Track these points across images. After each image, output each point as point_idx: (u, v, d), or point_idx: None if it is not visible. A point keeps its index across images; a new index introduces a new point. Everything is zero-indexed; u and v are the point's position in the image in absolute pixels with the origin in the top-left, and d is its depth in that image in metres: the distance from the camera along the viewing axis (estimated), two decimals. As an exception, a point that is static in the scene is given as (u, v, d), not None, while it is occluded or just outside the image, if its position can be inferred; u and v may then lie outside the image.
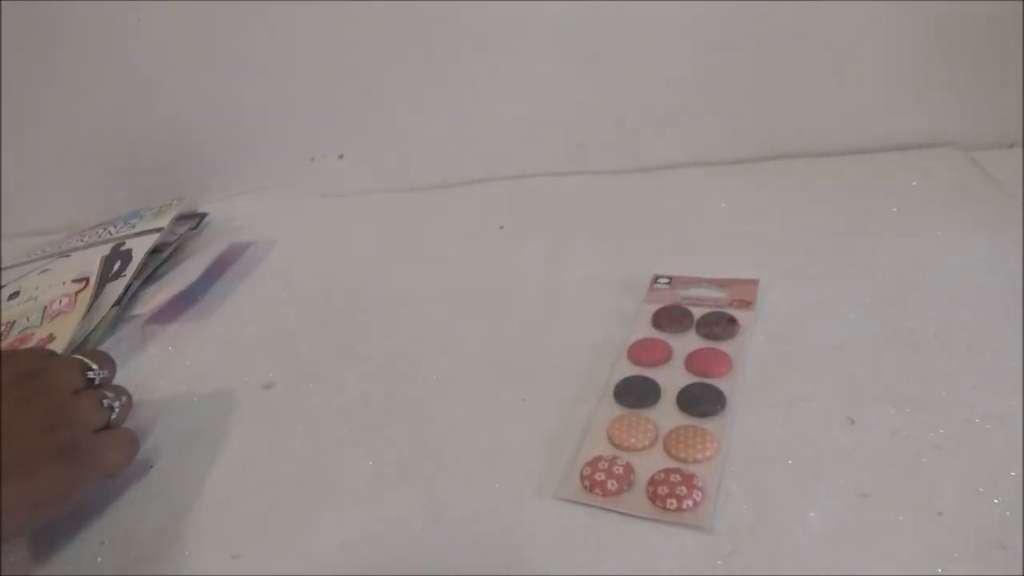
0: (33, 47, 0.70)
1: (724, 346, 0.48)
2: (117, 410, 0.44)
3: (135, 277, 0.62)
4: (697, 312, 0.51)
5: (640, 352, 0.48)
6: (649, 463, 0.40)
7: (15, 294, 0.64)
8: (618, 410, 0.44)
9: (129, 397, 0.46)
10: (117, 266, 0.63)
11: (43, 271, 0.66)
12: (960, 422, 0.41)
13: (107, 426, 0.43)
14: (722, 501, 0.38)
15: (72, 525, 0.43)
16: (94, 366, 0.45)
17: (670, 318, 0.51)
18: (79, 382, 0.43)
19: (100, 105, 0.73)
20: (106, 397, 0.43)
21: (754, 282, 0.53)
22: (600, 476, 0.39)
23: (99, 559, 0.41)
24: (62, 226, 0.79)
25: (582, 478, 0.39)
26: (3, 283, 0.65)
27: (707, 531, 0.36)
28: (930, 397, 0.43)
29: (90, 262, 0.63)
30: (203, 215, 0.74)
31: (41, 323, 0.58)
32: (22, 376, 0.40)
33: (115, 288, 0.61)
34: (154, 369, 0.56)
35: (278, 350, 0.57)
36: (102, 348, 0.57)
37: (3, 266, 0.70)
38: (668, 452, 0.40)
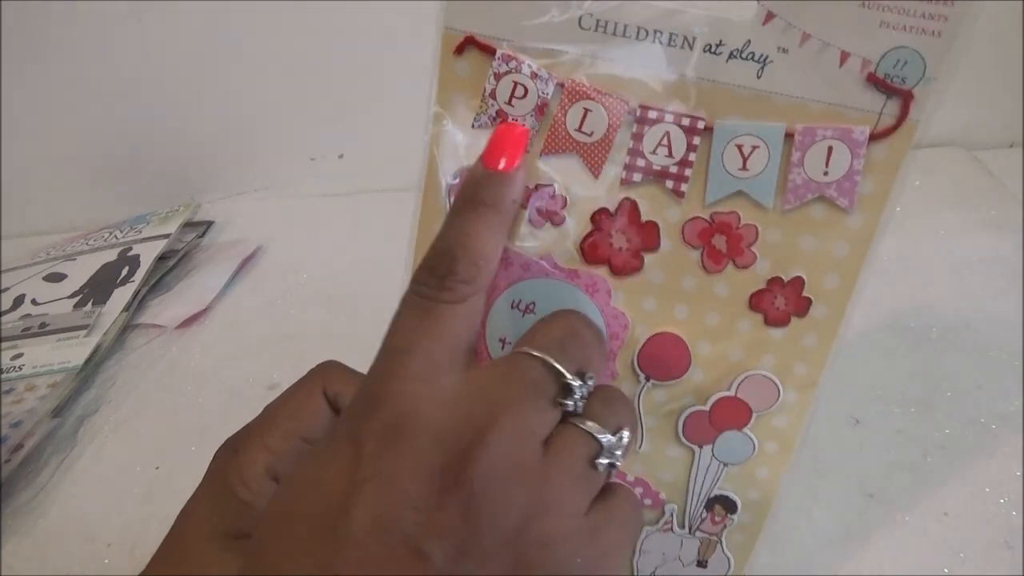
0: (33, 47, 0.70)
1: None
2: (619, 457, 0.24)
3: (143, 284, 0.62)
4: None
5: None
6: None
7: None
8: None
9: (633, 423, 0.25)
10: (125, 271, 0.63)
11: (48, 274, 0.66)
12: (965, 422, 0.41)
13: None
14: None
15: (78, 527, 0.44)
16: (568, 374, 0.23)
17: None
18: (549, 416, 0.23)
19: (100, 105, 0.73)
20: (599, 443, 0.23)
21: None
22: None
23: (106, 560, 0.41)
24: (62, 226, 0.79)
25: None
26: (4, 286, 0.65)
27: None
28: (935, 397, 0.43)
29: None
30: (209, 223, 0.74)
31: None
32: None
33: (123, 294, 0.61)
34: (159, 371, 0.56)
35: (282, 350, 0.56)
36: (109, 355, 0.57)
37: (5, 268, 0.69)
38: None
